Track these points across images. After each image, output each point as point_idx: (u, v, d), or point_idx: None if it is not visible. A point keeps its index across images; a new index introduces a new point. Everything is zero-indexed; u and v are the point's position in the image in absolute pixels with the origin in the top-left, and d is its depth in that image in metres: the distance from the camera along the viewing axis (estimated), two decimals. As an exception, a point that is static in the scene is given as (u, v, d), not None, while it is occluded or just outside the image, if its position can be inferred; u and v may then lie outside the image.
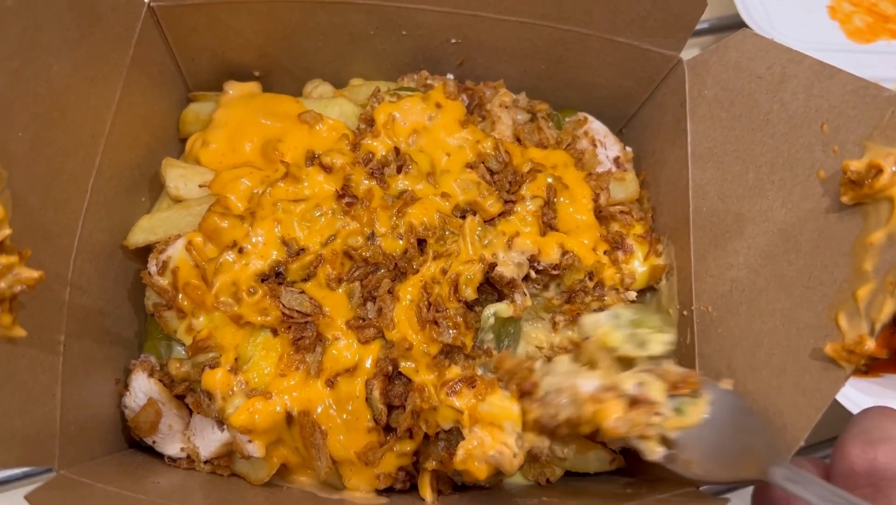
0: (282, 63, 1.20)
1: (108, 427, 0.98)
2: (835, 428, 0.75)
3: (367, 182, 1.01)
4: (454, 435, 0.90)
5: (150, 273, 0.99)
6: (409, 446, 0.92)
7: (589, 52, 1.14)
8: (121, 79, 1.00)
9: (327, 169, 1.02)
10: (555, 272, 0.99)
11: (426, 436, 0.92)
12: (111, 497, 0.81)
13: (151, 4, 1.04)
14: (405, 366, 0.92)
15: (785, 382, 0.80)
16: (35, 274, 0.75)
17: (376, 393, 0.91)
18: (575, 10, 1.07)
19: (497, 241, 0.99)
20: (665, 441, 0.82)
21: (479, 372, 0.93)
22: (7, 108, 0.78)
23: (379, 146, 1.05)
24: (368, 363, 0.92)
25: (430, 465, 0.93)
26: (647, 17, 1.05)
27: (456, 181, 1.03)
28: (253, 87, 1.19)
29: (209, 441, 0.96)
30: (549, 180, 1.07)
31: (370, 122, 1.10)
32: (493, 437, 0.86)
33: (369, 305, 0.95)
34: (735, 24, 1.47)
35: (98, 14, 0.93)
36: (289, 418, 0.91)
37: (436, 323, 0.92)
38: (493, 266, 0.95)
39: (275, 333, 0.95)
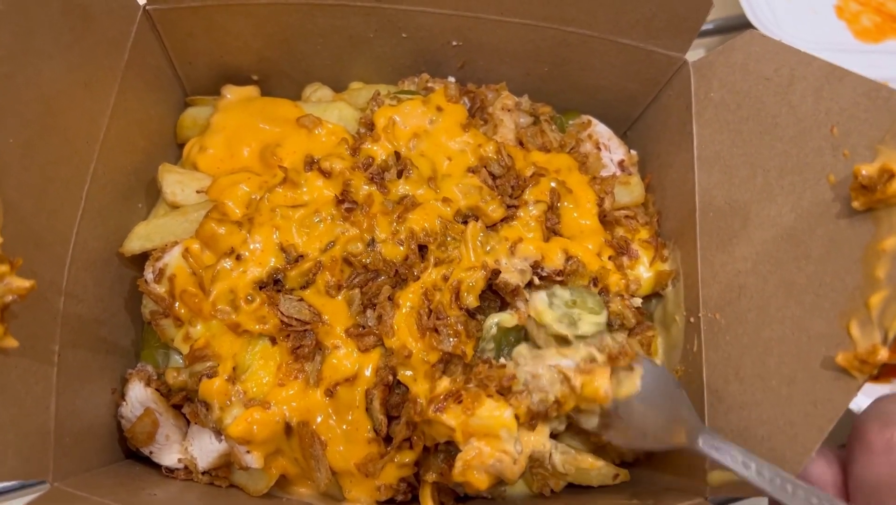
0: (280, 67, 1.19)
1: (104, 438, 0.97)
2: (840, 437, 0.73)
3: (366, 187, 0.99)
4: (453, 446, 0.89)
5: (146, 281, 0.98)
6: (409, 457, 0.90)
7: (592, 54, 1.12)
8: (116, 83, 0.99)
9: (326, 174, 1.00)
10: (559, 278, 0.97)
11: (426, 447, 0.90)
12: (107, 510, 0.80)
13: (147, 8, 1.03)
14: (404, 374, 0.90)
15: (795, 392, 0.78)
16: (27, 283, 0.74)
17: (376, 403, 0.90)
18: (578, 11, 1.06)
19: (499, 246, 0.97)
20: (602, 411, 0.88)
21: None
22: (-2, 114, 0.77)
23: (379, 150, 1.04)
24: (368, 372, 0.91)
25: (431, 477, 0.92)
26: (651, 19, 1.04)
27: (457, 186, 1.02)
28: (251, 91, 1.18)
29: (207, 452, 0.95)
30: (553, 184, 1.05)
31: (370, 126, 1.08)
32: (491, 446, 0.85)
33: (369, 312, 0.94)
34: (741, 24, 1.45)
35: (92, 17, 0.92)
36: (288, 429, 0.90)
37: (436, 331, 0.90)
38: (496, 273, 0.94)
39: (273, 341, 0.94)
